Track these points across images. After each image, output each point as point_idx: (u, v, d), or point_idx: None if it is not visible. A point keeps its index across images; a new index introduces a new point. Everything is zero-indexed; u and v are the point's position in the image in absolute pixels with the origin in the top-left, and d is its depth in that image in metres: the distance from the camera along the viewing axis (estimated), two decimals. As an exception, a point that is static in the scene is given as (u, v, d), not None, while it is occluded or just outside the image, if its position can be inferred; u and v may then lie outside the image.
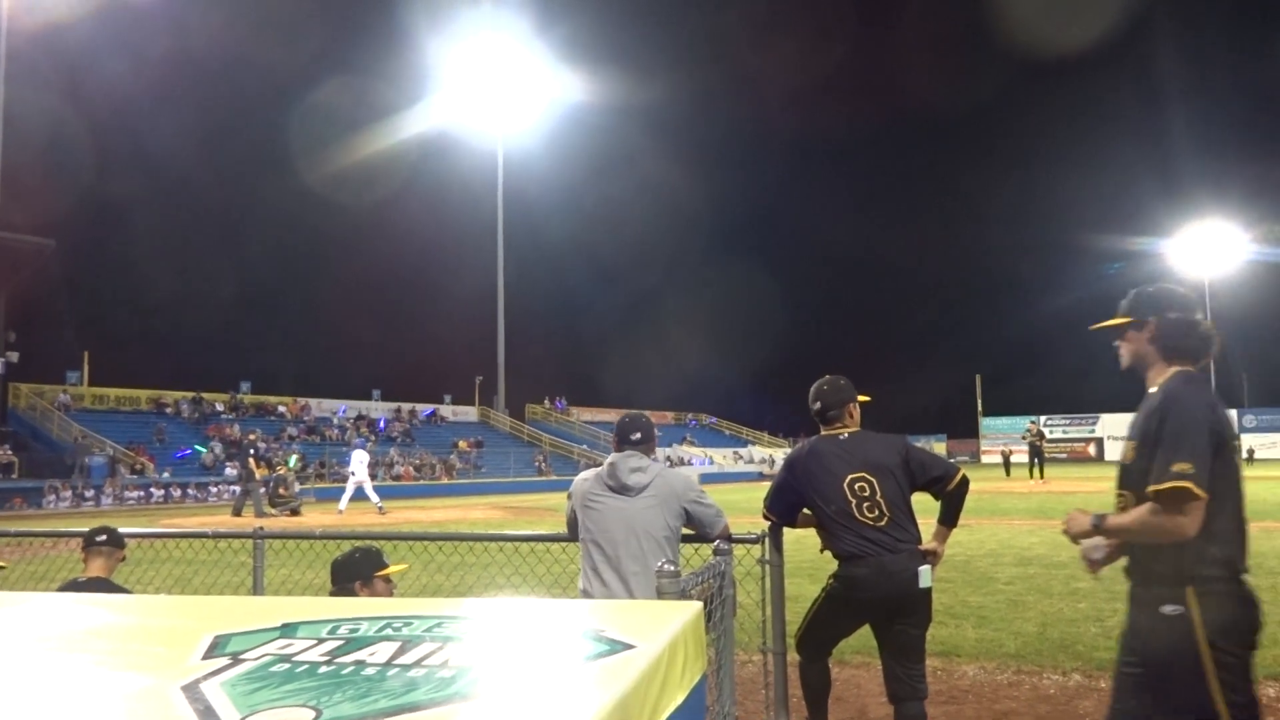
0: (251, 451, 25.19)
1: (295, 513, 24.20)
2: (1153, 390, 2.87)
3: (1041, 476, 31.32)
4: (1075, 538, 3.03)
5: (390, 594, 3.81)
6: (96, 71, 45.86)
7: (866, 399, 4.41)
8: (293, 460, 33.25)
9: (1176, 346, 2.85)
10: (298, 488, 26.90)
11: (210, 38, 52.47)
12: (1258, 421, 62.52)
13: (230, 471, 33.38)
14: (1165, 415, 2.70)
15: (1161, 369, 2.87)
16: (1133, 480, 2.82)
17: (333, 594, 3.59)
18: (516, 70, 49.46)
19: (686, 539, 4.03)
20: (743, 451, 58.23)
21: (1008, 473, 38.79)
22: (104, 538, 4.87)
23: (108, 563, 4.87)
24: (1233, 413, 62.83)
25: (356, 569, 3.75)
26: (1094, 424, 67.81)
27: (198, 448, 36.74)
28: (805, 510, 4.31)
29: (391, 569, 3.84)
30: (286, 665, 1.51)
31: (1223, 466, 2.67)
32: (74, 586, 4.59)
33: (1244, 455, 56.99)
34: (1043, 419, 43.48)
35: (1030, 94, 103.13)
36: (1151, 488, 2.65)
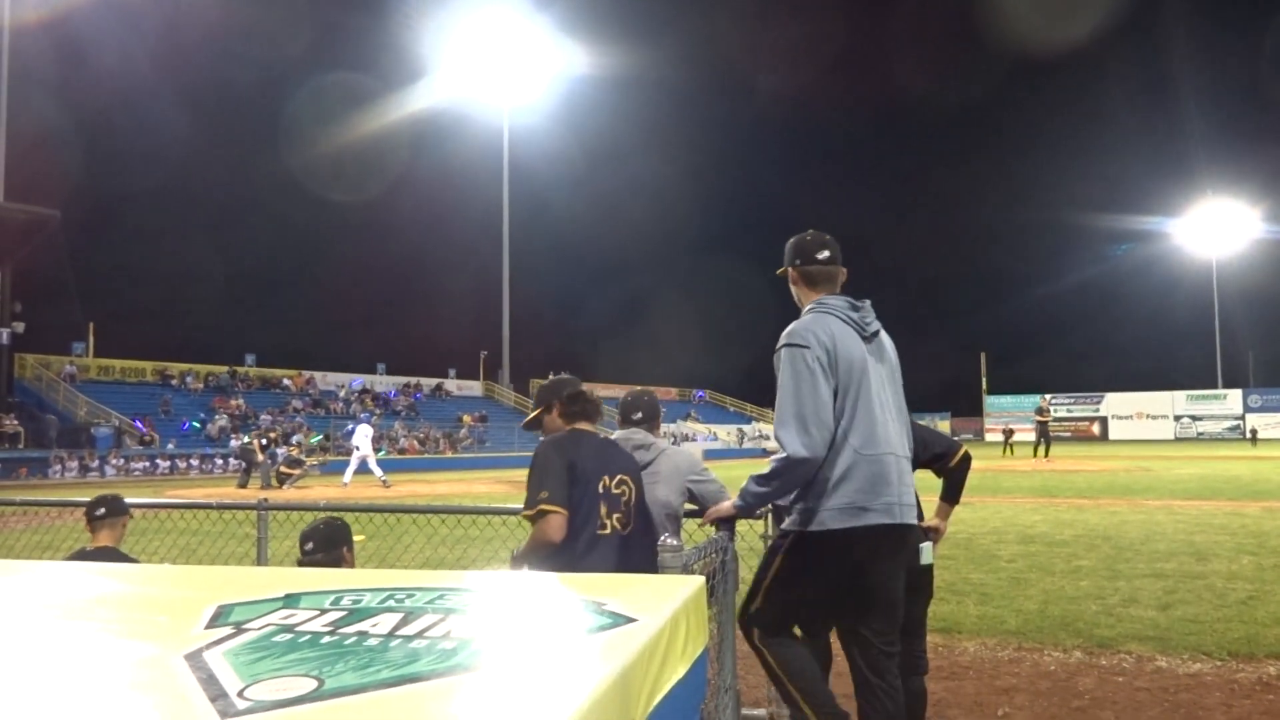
0: (262, 442, 25.77)
1: (283, 482, 24.31)
2: None
3: (1046, 455, 31.26)
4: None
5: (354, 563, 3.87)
6: (103, 45, 45.65)
7: None
8: (314, 438, 33.64)
9: (573, 413, 3.76)
10: (308, 463, 27.07)
11: (218, 14, 52.20)
12: (1263, 401, 62.24)
13: (235, 444, 33.61)
14: (532, 463, 3.55)
15: (559, 426, 3.76)
16: None
17: (319, 563, 3.57)
18: (521, 45, 49.14)
19: (690, 514, 4.03)
20: (747, 428, 58.26)
21: (1006, 451, 38.84)
22: (102, 510, 4.89)
23: (114, 531, 4.89)
24: (1238, 392, 63.31)
25: (343, 534, 3.77)
26: (1098, 403, 67.77)
27: (194, 425, 36.91)
28: None
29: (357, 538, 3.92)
30: (289, 635, 1.51)
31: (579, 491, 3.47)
32: (82, 556, 4.61)
33: (1248, 436, 56.89)
34: (1048, 398, 43.54)
35: (1037, 75, 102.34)
36: (523, 513, 3.48)
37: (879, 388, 3.32)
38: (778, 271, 3.65)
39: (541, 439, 3.78)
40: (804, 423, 3.12)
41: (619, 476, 3.61)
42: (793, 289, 3.60)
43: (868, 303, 3.48)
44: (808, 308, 3.44)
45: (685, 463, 4.02)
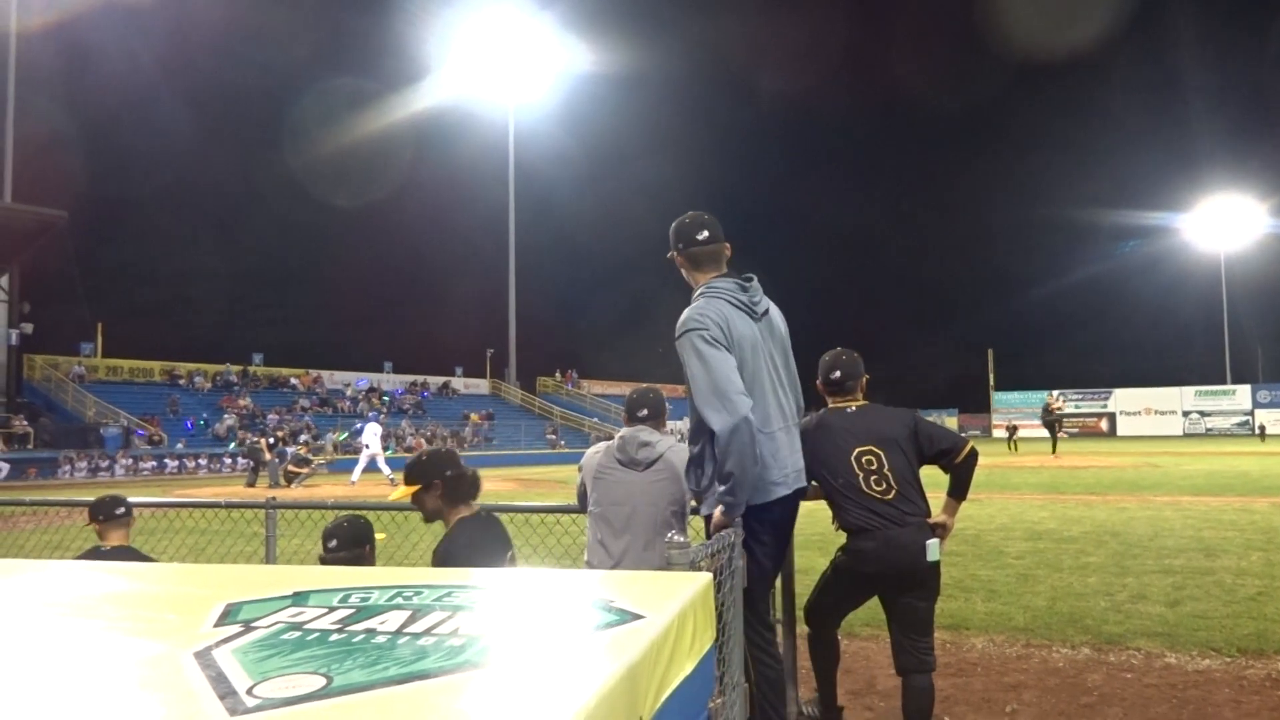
0: (270, 441, 25.88)
1: (291, 480, 24.43)
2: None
3: (1054, 452, 31.15)
4: None
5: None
6: (110, 48, 45.75)
7: (867, 377, 4.40)
8: (342, 435, 33.80)
9: (458, 495, 3.72)
10: (315, 461, 27.16)
11: (224, 17, 52.29)
12: (1272, 397, 61.92)
13: (236, 444, 33.73)
14: (440, 551, 3.49)
15: (450, 513, 3.69)
16: None
17: (342, 560, 3.60)
18: (526, 43, 49.16)
19: (696, 511, 4.03)
20: (753, 425, 57.95)
21: (1011, 446, 38.79)
22: (122, 509, 4.90)
23: (127, 530, 4.92)
24: (1246, 388, 63.06)
25: (365, 532, 3.80)
26: (1106, 399, 67.53)
27: (200, 423, 37.06)
28: (814, 482, 4.29)
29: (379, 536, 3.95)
30: (297, 633, 1.52)
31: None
32: (98, 555, 4.61)
33: (1256, 431, 56.65)
34: (1056, 393, 43.51)
35: (1043, 71, 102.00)
36: None
37: (769, 365, 3.57)
38: (667, 256, 3.82)
39: (445, 542, 3.55)
40: (722, 394, 3.30)
41: (509, 553, 3.66)
42: (683, 273, 3.77)
43: (755, 280, 3.66)
44: (698, 292, 3.62)
45: (691, 460, 4.02)
